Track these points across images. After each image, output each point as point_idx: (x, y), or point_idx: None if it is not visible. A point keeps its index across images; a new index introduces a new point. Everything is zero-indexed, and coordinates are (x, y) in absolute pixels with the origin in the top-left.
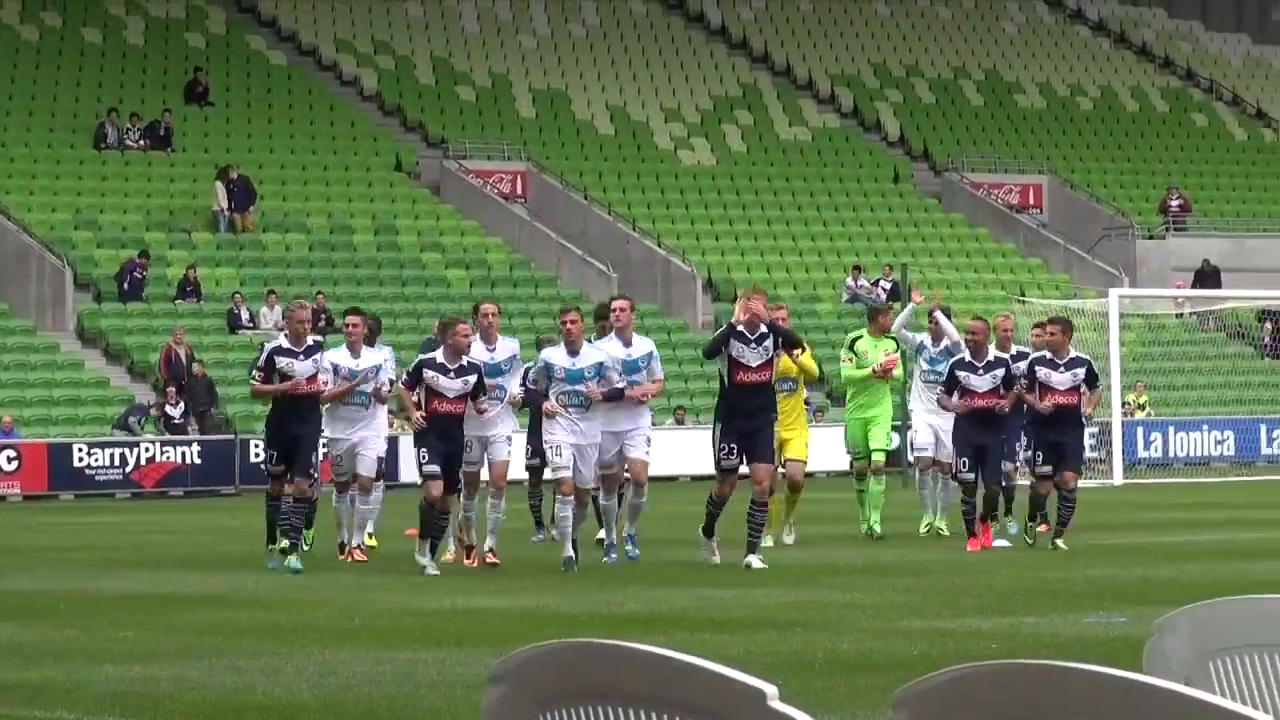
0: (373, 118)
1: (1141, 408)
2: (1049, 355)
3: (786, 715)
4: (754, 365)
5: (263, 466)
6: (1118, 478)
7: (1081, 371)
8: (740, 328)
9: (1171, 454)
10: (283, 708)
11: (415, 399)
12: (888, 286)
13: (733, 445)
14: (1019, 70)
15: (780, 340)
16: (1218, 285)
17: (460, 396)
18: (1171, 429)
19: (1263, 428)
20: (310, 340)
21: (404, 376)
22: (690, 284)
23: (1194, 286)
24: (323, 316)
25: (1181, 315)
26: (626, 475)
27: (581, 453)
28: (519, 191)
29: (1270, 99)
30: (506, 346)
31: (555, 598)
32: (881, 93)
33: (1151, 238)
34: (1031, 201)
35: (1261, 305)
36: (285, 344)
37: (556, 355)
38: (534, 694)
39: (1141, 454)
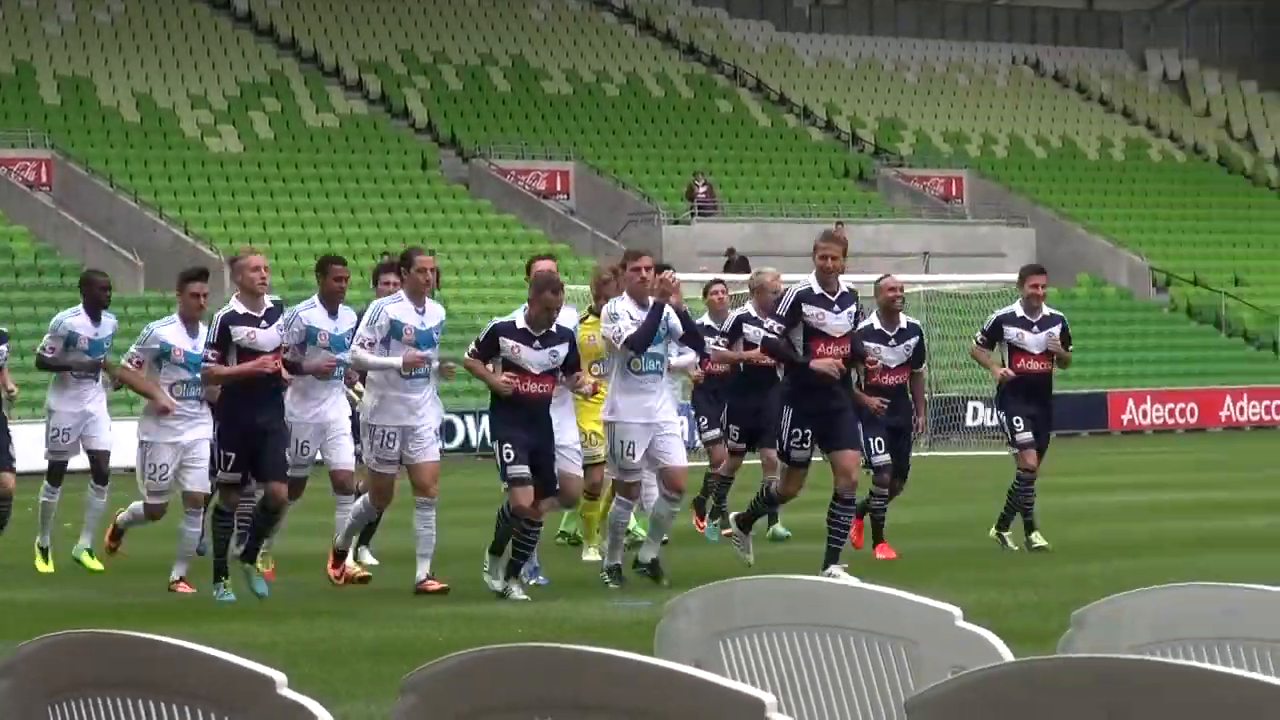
0: None
1: None
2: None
3: (294, 703)
4: (837, 337)
5: (214, 473)
6: None
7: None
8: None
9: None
10: None
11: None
12: None
13: (806, 431)
14: (545, 57)
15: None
16: (745, 270)
17: (549, 372)
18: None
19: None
20: (269, 301)
21: (471, 345)
22: (220, 272)
23: (726, 271)
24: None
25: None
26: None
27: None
28: (44, 179)
29: (793, 86)
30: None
31: (77, 590)
32: (409, 79)
33: (678, 223)
34: (559, 188)
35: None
36: (241, 308)
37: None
38: (44, 686)
39: None
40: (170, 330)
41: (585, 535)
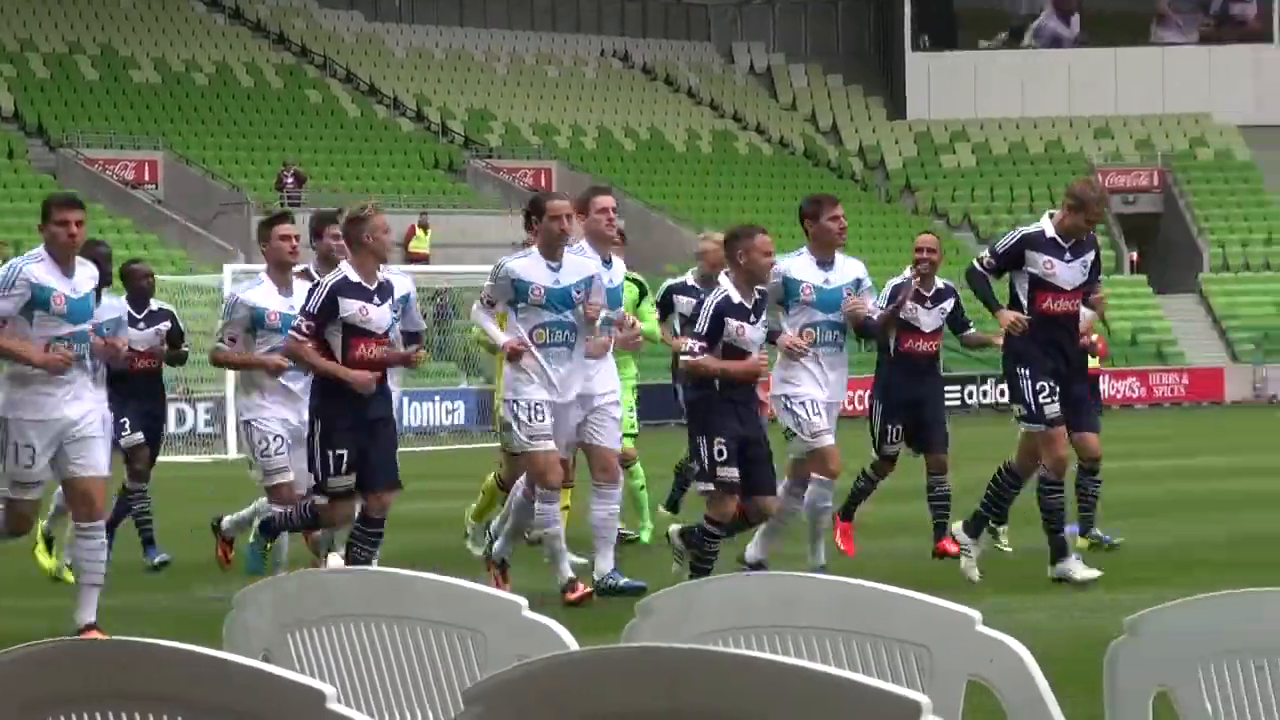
0: None
1: None
2: None
3: None
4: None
5: (311, 480)
6: None
7: None
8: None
9: (409, 424)
10: None
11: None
12: None
13: (1052, 383)
14: (134, 45)
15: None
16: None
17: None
18: (406, 399)
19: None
20: (382, 277)
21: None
22: None
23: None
24: None
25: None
26: None
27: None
28: None
29: (383, 76)
30: None
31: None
32: None
33: (268, 213)
34: (147, 178)
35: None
36: (354, 276)
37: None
38: (18, 699)
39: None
40: (259, 293)
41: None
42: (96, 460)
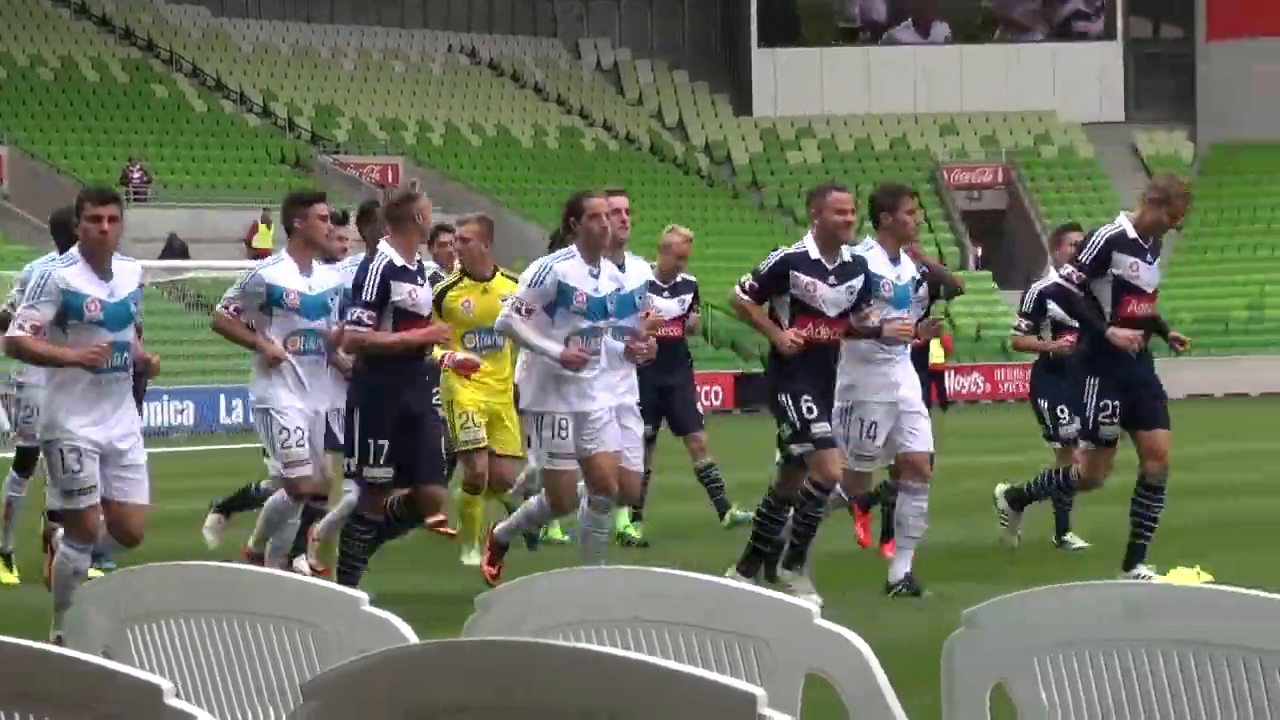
0: None
1: None
2: None
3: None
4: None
5: (344, 468)
6: None
7: None
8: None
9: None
10: None
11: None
12: None
13: (1116, 403)
14: None
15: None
16: (185, 256)
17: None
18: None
19: (222, 397)
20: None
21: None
22: None
23: (163, 258)
24: None
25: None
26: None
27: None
28: None
29: (229, 71)
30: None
31: None
32: None
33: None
34: None
35: (218, 275)
36: (399, 259)
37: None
38: None
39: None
40: (280, 270)
41: (465, 536)
42: (139, 489)
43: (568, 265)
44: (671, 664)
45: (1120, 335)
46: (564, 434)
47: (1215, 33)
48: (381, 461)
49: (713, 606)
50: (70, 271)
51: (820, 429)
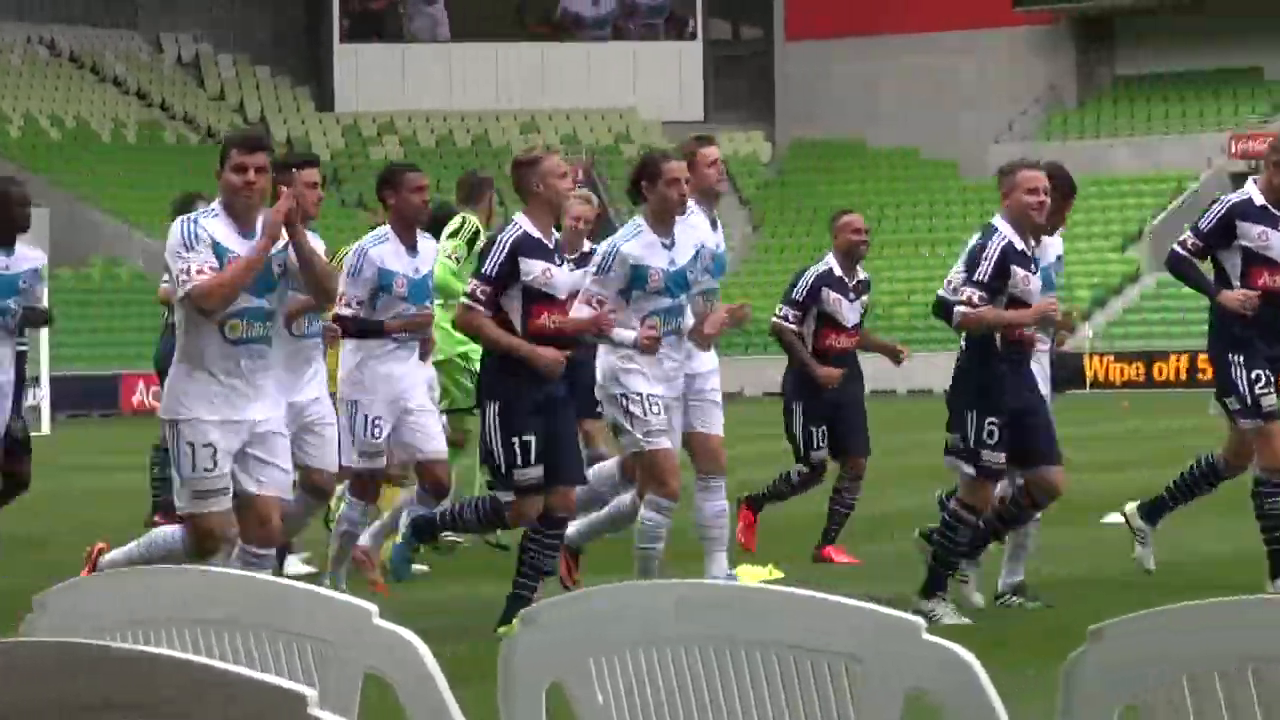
0: None
1: None
2: None
3: None
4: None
5: (489, 469)
6: None
7: None
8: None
9: None
10: None
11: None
12: None
13: (1268, 373)
14: None
15: None
16: None
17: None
18: None
19: None
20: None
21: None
22: None
23: None
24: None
25: None
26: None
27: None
28: None
29: None
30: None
31: None
32: None
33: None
34: None
35: None
36: (534, 231)
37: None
38: None
39: None
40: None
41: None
42: (278, 477)
43: (634, 244)
44: (222, 664)
45: (1230, 297)
46: (657, 410)
47: (794, 33)
48: (531, 460)
49: (273, 608)
50: (215, 223)
51: (992, 456)
